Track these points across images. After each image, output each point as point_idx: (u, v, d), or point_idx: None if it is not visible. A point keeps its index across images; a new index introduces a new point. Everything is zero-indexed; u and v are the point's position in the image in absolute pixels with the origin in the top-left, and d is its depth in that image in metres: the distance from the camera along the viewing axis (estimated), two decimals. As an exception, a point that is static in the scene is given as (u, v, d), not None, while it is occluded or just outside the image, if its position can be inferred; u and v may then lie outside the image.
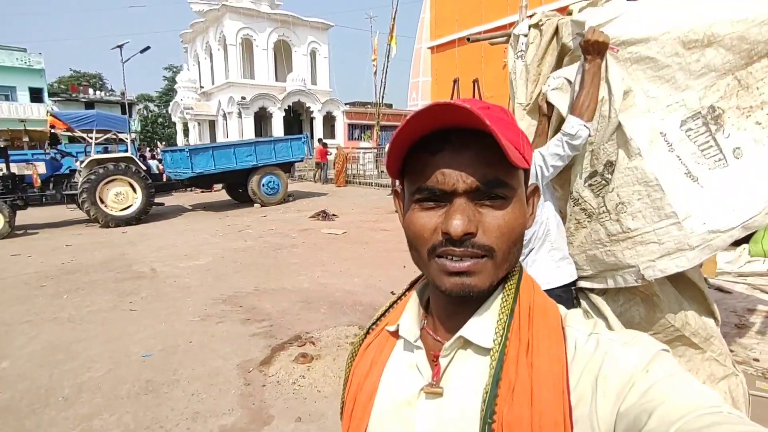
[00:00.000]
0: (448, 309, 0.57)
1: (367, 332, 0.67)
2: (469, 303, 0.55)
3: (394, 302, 0.67)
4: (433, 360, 0.56)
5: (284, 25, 26.63)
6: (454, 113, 0.47)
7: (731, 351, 3.26)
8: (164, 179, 12.03)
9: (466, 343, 0.54)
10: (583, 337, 0.50)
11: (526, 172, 0.55)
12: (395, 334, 0.62)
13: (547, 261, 2.12)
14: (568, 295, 2.20)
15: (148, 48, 16.95)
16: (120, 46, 15.93)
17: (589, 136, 1.91)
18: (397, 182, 0.59)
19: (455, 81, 5.21)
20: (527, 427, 0.46)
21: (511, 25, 5.28)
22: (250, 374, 3.25)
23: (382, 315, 0.67)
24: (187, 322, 4.28)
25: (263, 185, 12.22)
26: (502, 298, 0.54)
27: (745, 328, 3.60)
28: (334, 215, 10.21)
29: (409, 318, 0.61)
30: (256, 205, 12.21)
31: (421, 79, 31.76)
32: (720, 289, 4.45)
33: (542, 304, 0.55)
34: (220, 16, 25.47)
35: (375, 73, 21.30)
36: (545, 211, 2.11)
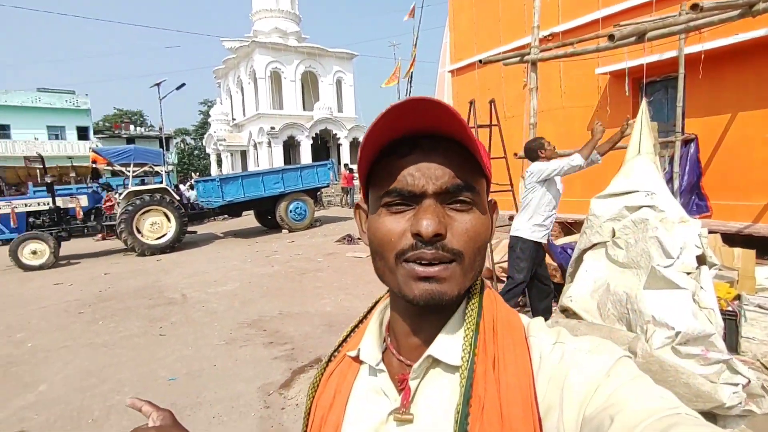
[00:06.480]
0: (411, 325, 0.55)
1: (329, 360, 0.63)
2: (432, 317, 0.53)
3: (356, 326, 0.64)
4: (399, 382, 0.54)
5: (311, 57, 27.66)
6: (434, 111, 0.46)
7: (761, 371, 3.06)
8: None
9: (435, 362, 0.52)
10: (548, 346, 0.50)
11: (488, 183, 0.55)
12: (357, 359, 0.59)
13: (524, 222, 3.54)
14: (531, 246, 3.51)
15: (183, 85, 17.88)
16: (158, 84, 16.85)
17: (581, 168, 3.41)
18: (361, 196, 0.58)
19: (471, 103, 5.25)
20: None
21: (528, 45, 5.31)
22: (270, 397, 3.29)
23: (344, 340, 0.64)
24: (212, 346, 4.38)
25: (291, 211, 12.48)
26: (466, 313, 0.53)
27: (787, 348, 3.37)
28: (358, 239, 10.29)
29: (370, 341, 0.58)
30: (284, 230, 12.47)
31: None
32: (760, 307, 4.19)
33: (505, 317, 0.54)
34: (250, 52, 26.74)
35: (398, 98, 21.74)
36: (538, 191, 3.47)
